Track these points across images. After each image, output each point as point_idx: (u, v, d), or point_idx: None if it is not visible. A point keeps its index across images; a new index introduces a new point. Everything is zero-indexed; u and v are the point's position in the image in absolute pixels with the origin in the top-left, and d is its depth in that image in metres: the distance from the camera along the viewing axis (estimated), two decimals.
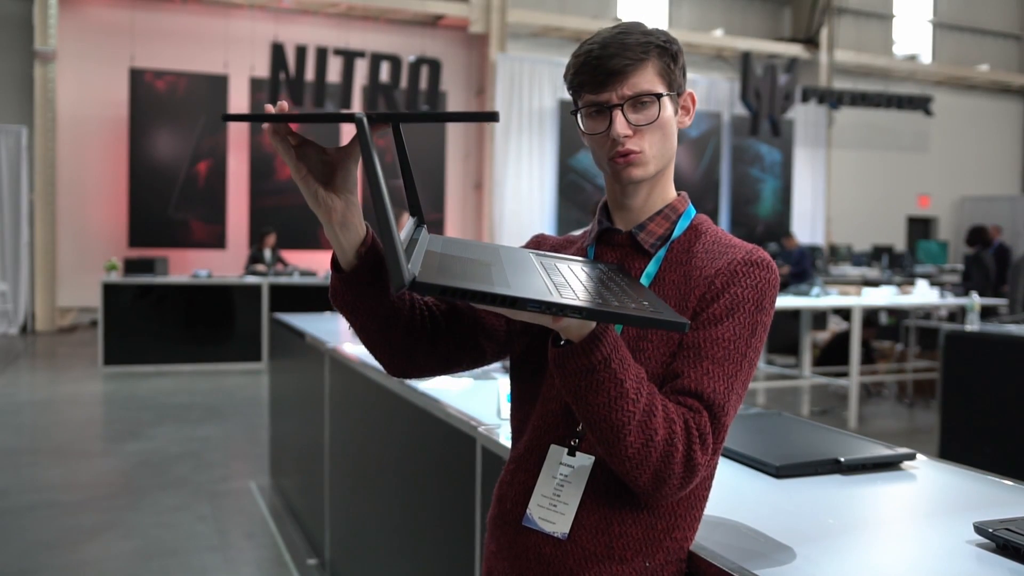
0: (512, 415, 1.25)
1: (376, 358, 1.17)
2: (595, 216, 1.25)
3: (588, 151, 1.19)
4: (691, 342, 1.06)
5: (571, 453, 1.12)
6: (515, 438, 1.23)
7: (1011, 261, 7.79)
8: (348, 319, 1.12)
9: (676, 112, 1.16)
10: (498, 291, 0.85)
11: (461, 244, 1.13)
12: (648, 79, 1.11)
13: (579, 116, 1.15)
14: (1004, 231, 13.05)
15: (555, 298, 0.86)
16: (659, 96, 1.11)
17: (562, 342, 0.98)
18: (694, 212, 1.21)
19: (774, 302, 1.10)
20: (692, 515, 1.14)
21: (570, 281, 0.98)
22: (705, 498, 1.16)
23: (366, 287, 1.07)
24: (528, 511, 1.12)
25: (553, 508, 1.11)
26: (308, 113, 0.95)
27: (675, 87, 1.15)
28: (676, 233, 1.17)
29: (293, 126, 1.01)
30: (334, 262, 1.08)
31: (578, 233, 1.31)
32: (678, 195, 1.21)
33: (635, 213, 1.18)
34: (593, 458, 1.10)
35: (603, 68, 1.09)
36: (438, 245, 1.08)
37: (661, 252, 1.16)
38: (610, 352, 0.98)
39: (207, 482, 4.62)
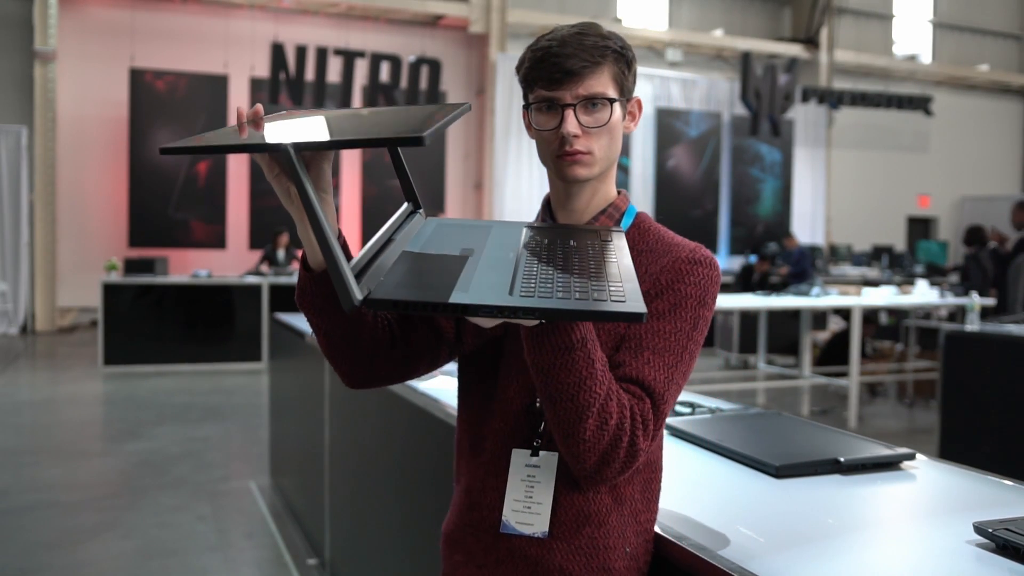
0: (466, 420, 1.23)
1: (336, 366, 1.15)
2: (537, 216, 1.26)
3: None
4: (635, 334, 1.09)
5: (534, 454, 1.13)
6: (473, 444, 1.20)
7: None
8: (313, 322, 1.10)
9: (624, 117, 1.18)
10: (450, 301, 0.86)
11: (452, 230, 1.13)
12: (602, 82, 1.13)
13: (530, 110, 1.16)
14: (1000, 230, 12.98)
15: (508, 300, 0.87)
16: (612, 101, 1.13)
17: None
18: (635, 210, 1.23)
19: (715, 298, 1.15)
20: (650, 497, 1.18)
21: (541, 269, 0.97)
22: (659, 480, 1.20)
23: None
24: (504, 517, 1.13)
25: (528, 510, 1.12)
26: (239, 144, 0.95)
27: (626, 93, 1.17)
28: (624, 229, 1.20)
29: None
30: (304, 261, 1.07)
31: None
32: (619, 193, 1.23)
33: (579, 213, 1.20)
34: (557, 455, 1.11)
35: (561, 67, 1.11)
36: (423, 238, 1.08)
37: None
38: (586, 333, 0.99)
39: (207, 482, 4.62)
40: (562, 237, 1.10)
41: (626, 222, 1.20)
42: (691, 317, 1.10)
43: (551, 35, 1.14)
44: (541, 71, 1.12)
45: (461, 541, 1.19)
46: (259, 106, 1.02)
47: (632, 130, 1.21)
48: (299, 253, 1.09)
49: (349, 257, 0.96)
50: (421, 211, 1.18)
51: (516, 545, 1.13)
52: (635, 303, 0.87)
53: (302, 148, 0.89)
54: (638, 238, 1.19)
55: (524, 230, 1.13)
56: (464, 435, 1.23)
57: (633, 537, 1.15)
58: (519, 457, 1.13)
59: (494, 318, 0.89)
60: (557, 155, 1.14)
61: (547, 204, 1.24)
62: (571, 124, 1.11)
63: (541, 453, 1.13)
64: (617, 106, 1.14)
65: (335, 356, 1.13)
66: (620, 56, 1.15)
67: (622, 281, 0.93)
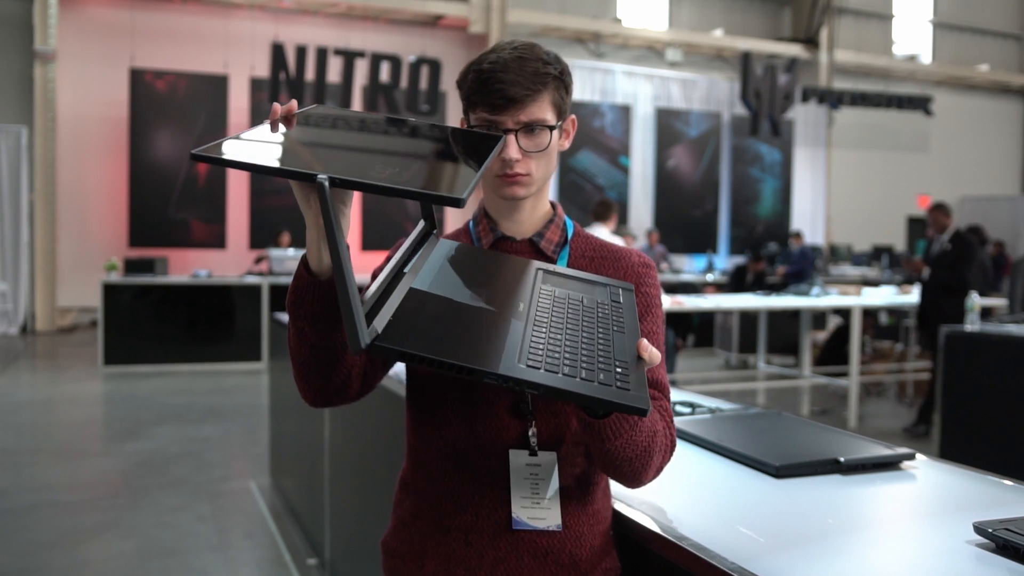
0: (428, 426, 1.21)
1: (307, 382, 1.09)
2: (476, 224, 1.28)
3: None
4: None
5: (533, 453, 1.16)
6: (443, 448, 1.19)
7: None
8: (304, 330, 1.04)
9: (560, 137, 1.23)
10: (457, 362, 0.86)
11: (464, 259, 1.13)
12: (543, 108, 1.17)
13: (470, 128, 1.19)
14: (1001, 231, 12.98)
15: (514, 371, 0.87)
16: (551, 128, 1.18)
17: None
18: (571, 221, 1.33)
19: None
20: (608, 479, 1.29)
21: (551, 334, 0.97)
22: None
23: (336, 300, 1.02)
24: (514, 515, 1.15)
25: (537, 506, 1.16)
26: (272, 167, 0.93)
27: (563, 116, 1.21)
28: (569, 238, 1.30)
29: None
30: (305, 264, 1.03)
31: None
32: (552, 205, 1.30)
33: (523, 224, 1.27)
34: (555, 452, 1.17)
35: (502, 94, 1.14)
36: (434, 269, 1.07)
37: (564, 255, 1.26)
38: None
39: (207, 482, 4.62)
40: (574, 290, 1.12)
41: (569, 231, 1.30)
42: (659, 313, 1.26)
43: (493, 56, 1.16)
44: (483, 96, 1.15)
45: (436, 549, 1.17)
46: (293, 102, 1.03)
47: (566, 147, 1.27)
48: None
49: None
50: (436, 232, 1.18)
51: (524, 540, 1.15)
52: (639, 396, 0.88)
53: (337, 185, 0.87)
54: (585, 247, 1.29)
55: (537, 272, 1.14)
56: (424, 443, 1.21)
57: (609, 517, 1.28)
58: (518, 457, 1.16)
59: (498, 385, 0.90)
60: (497, 175, 1.18)
61: (485, 213, 1.27)
62: (513, 150, 1.15)
63: (540, 452, 1.16)
64: (555, 131, 1.19)
65: (312, 371, 1.07)
66: (560, 82, 1.19)
67: (628, 364, 0.94)
